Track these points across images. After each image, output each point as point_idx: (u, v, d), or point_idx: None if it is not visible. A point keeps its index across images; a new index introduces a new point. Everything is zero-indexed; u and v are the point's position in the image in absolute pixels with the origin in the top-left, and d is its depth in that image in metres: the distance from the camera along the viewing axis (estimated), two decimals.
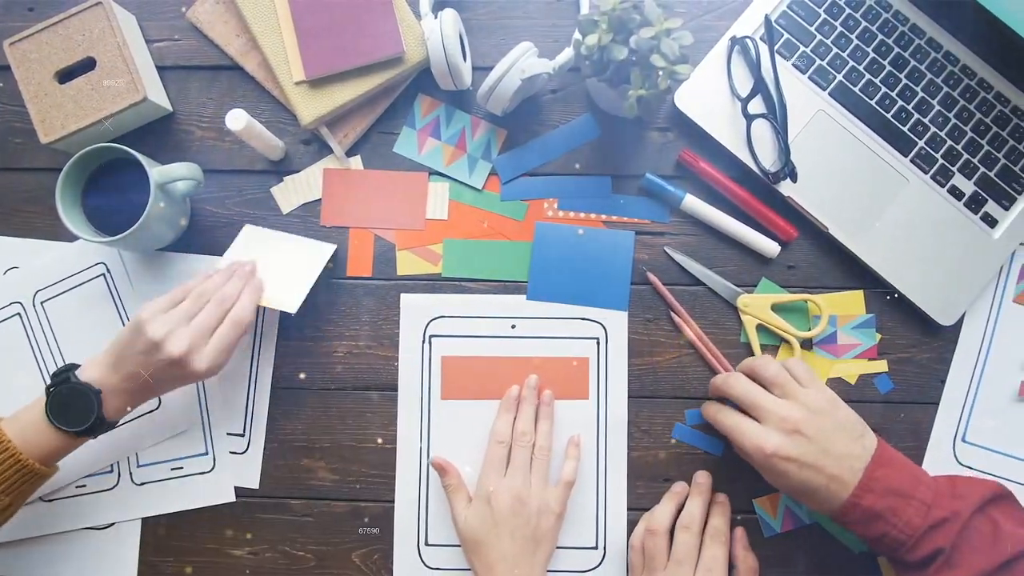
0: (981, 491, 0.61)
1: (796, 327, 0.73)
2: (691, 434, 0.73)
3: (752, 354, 0.73)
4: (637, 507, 0.72)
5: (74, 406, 0.63)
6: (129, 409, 0.65)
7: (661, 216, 0.75)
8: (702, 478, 0.71)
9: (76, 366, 0.64)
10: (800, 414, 0.62)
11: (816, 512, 0.70)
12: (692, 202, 0.74)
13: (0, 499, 0.62)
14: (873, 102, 0.73)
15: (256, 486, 0.73)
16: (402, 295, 0.74)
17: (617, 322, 0.74)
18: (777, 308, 0.73)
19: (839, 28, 0.74)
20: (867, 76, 0.74)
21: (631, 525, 0.72)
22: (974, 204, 0.73)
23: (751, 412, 0.64)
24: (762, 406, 0.63)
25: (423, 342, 0.74)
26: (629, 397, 0.73)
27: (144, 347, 0.62)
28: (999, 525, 0.59)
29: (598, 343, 0.74)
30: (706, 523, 0.70)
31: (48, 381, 0.64)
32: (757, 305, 0.73)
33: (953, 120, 0.73)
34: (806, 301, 0.74)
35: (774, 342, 0.74)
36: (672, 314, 0.74)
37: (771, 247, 0.74)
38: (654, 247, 0.74)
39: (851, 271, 0.74)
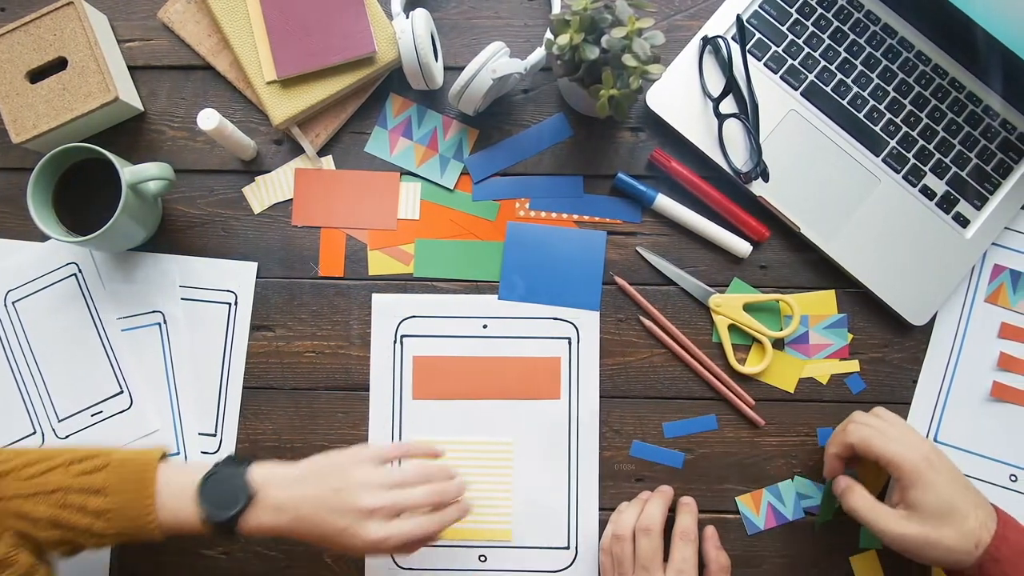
0: None
1: (768, 327, 0.73)
2: (650, 451, 0.73)
3: (724, 354, 0.73)
4: (609, 507, 0.72)
5: (224, 493, 0.59)
6: (265, 528, 0.59)
7: (633, 216, 0.75)
8: (664, 487, 0.71)
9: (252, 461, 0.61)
10: (929, 444, 0.63)
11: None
12: (664, 202, 0.74)
13: (99, 526, 0.57)
14: (844, 102, 0.73)
15: None
16: (374, 295, 0.74)
17: (589, 322, 0.74)
18: (749, 308, 0.73)
19: (811, 28, 0.74)
20: (839, 76, 0.74)
21: (603, 525, 0.72)
22: (946, 204, 0.73)
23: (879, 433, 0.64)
24: (895, 432, 0.63)
25: (395, 342, 0.74)
26: (601, 397, 0.73)
27: (338, 481, 0.59)
28: None
29: (570, 343, 0.74)
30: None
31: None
32: (729, 305, 0.73)
33: (925, 120, 0.73)
34: (778, 301, 0.74)
35: (746, 342, 0.74)
36: (641, 317, 0.74)
37: (743, 247, 0.74)
38: (626, 247, 0.74)
39: (823, 271, 0.74)
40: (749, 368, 0.73)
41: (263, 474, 0.60)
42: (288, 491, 0.59)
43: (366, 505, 0.59)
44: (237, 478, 0.59)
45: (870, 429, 0.63)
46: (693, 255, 0.75)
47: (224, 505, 0.58)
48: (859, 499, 0.63)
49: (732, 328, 0.73)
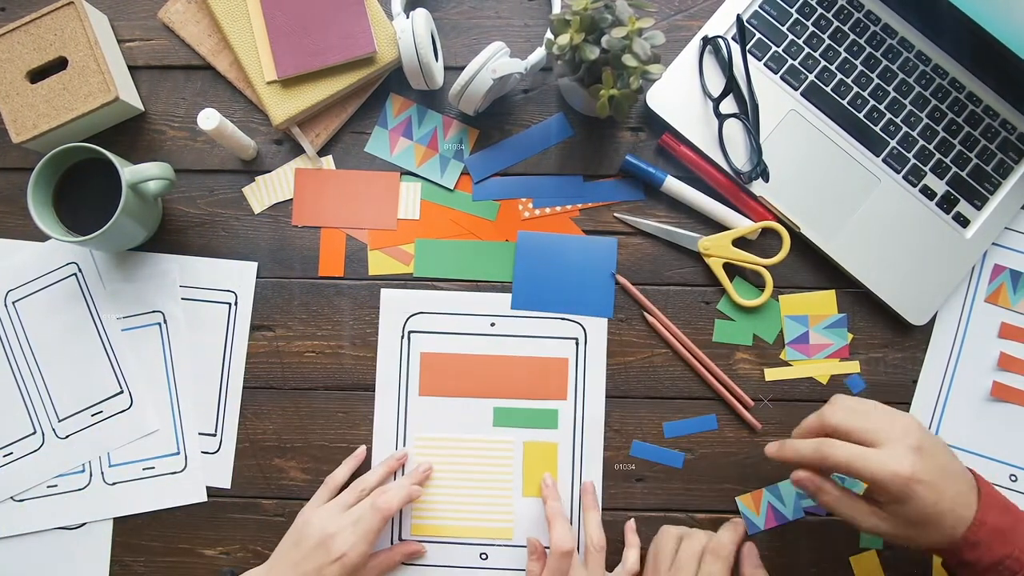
0: None
1: (760, 257, 0.73)
2: (650, 450, 0.73)
3: (727, 296, 0.73)
4: (609, 507, 0.72)
5: None
6: None
7: (636, 195, 0.75)
8: (738, 520, 0.70)
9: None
10: (916, 429, 0.57)
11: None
12: (673, 184, 0.73)
13: None
14: (845, 102, 0.73)
15: (228, 486, 0.73)
16: (383, 290, 0.74)
17: (596, 322, 0.74)
18: (738, 243, 0.74)
19: (811, 28, 0.74)
20: (839, 76, 0.74)
21: (606, 525, 0.71)
22: (946, 204, 0.73)
23: (865, 438, 0.57)
24: (879, 427, 0.57)
25: (402, 337, 0.74)
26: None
27: (296, 535, 0.67)
28: None
29: (577, 343, 0.74)
30: None
31: None
32: (718, 245, 0.73)
33: (925, 120, 0.73)
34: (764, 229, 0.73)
35: (747, 290, 0.74)
36: (645, 314, 0.74)
37: (754, 229, 0.73)
38: (627, 247, 0.74)
39: (823, 271, 0.74)
40: (753, 301, 0.73)
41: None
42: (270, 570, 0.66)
43: (325, 533, 0.65)
44: None
45: (849, 451, 0.57)
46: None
47: None
48: (832, 497, 0.60)
49: (727, 267, 0.74)
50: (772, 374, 0.73)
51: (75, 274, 0.74)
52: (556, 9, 0.73)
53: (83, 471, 0.73)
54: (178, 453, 0.73)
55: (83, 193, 0.70)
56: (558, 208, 0.75)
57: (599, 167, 0.75)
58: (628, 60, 0.64)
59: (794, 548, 0.72)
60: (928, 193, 0.73)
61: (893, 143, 0.73)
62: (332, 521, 0.66)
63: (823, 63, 0.74)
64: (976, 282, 0.75)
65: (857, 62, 0.74)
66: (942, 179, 0.73)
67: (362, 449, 0.72)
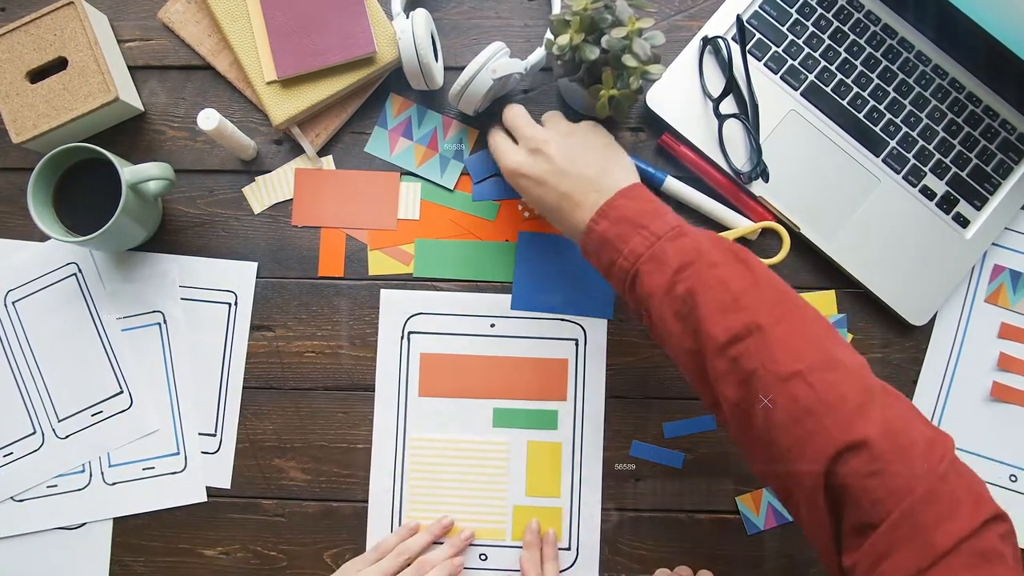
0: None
1: (760, 257, 0.73)
2: (650, 451, 0.73)
3: None
4: (609, 507, 0.72)
5: None
6: None
7: None
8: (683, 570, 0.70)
9: None
10: (545, 135, 0.66)
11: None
12: (673, 184, 0.73)
13: None
14: (845, 102, 0.73)
15: (228, 486, 0.73)
16: (382, 291, 0.74)
17: (596, 323, 0.74)
18: (738, 243, 0.73)
19: (811, 28, 0.74)
20: (839, 76, 0.74)
21: (604, 525, 0.72)
22: (946, 204, 0.73)
23: (517, 135, 0.68)
24: (517, 128, 0.68)
25: (402, 338, 0.74)
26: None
27: None
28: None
29: (577, 344, 0.74)
30: None
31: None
32: None
33: (925, 120, 0.73)
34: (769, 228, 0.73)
35: None
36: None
37: (753, 229, 0.73)
38: None
39: (823, 271, 0.74)
40: None
41: None
42: None
43: None
44: None
45: (494, 141, 0.69)
46: None
47: None
48: (493, 138, 0.70)
49: None
50: None
51: (75, 274, 0.74)
52: (556, 9, 0.73)
53: (83, 471, 0.73)
54: (178, 453, 0.73)
55: (83, 193, 0.70)
56: None
57: None
58: (628, 60, 0.64)
59: (794, 548, 0.72)
60: (928, 193, 0.73)
61: (893, 143, 0.73)
62: None
63: (823, 63, 0.74)
64: (976, 282, 0.75)
65: (857, 62, 0.74)
66: (942, 179, 0.73)
67: (415, 523, 0.72)
